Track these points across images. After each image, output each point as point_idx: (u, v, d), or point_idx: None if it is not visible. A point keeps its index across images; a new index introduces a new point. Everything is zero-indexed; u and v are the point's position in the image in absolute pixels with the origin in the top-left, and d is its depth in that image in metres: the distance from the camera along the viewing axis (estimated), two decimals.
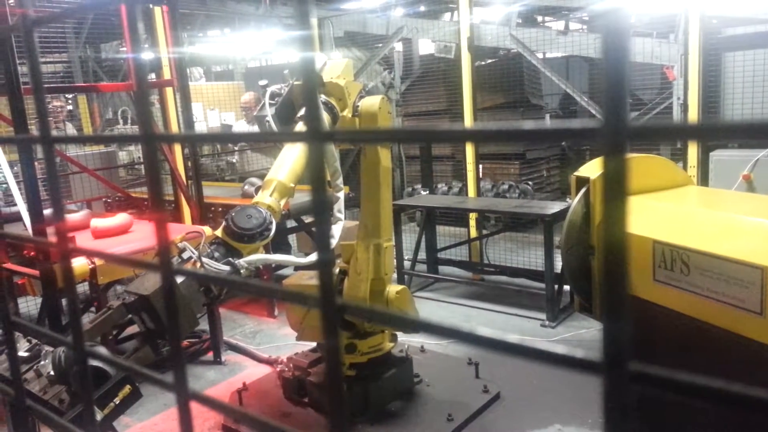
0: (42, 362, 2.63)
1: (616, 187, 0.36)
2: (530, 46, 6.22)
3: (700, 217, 3.02)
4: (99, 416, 2.39)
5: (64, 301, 3.58)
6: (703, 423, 2.40)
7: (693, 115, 4.90)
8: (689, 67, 4.90)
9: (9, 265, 3.78)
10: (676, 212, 3.10)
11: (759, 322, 2.32)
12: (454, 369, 3.86)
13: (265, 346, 4.72)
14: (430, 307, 5.29)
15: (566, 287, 4.74)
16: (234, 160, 8.38)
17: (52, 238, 0.90)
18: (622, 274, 0.37)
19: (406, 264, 5.84)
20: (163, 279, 0.71)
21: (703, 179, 4.93)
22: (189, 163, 5.49)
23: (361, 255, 3.22)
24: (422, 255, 5.95)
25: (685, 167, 4.89)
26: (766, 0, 4.79)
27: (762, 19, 4.82)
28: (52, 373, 2.55)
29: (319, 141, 0.56)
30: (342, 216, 2.99)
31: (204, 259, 2.50)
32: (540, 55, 7.04)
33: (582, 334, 4.53)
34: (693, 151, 4.93)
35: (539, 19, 9.34)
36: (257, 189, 5.56)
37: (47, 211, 3.46)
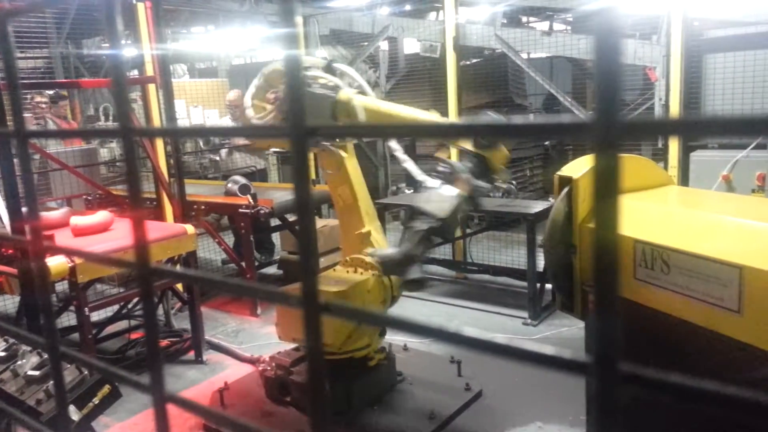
0: (19, 362, 2.58)
1: (607, 184, 0.35)
2: (515, 46, 6.24)
3: (681, 217, 3.04)
4: (77, 416, 2.35)
5: None
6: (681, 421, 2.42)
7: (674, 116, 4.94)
8: (671, 69, 4.95)
9: None
10: (656, 212, 3.12)
11: (736, 320, 2.35)
12: (436, 367, 3.86)
13: (247, 345, 4.68)
14: (413, 306, 5.29)
15: (548, 286, 4.77)
16: (217, 158, 8.32)
17: (28, 236, 0.87)
18: (614, 273, 0.36)
19: None
20: (140, 280, 0.69)
21: (684, 179, 4.99)
22: (171, 161, 5.42)
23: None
24: None
25: (666, 167, 4.95)
26: (748, 3, 4.85)
27: (743, 21, 4.89)
28: (29, 372, 2.50)
29: (301, 136, 0.55)
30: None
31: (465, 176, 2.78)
32: (524, 56, 7.07)
33: (563, 332, 4.56)
34: (674, 151, 4.98)
35: (524, 19, 9.39)
36: (241, 187, 5.54)
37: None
